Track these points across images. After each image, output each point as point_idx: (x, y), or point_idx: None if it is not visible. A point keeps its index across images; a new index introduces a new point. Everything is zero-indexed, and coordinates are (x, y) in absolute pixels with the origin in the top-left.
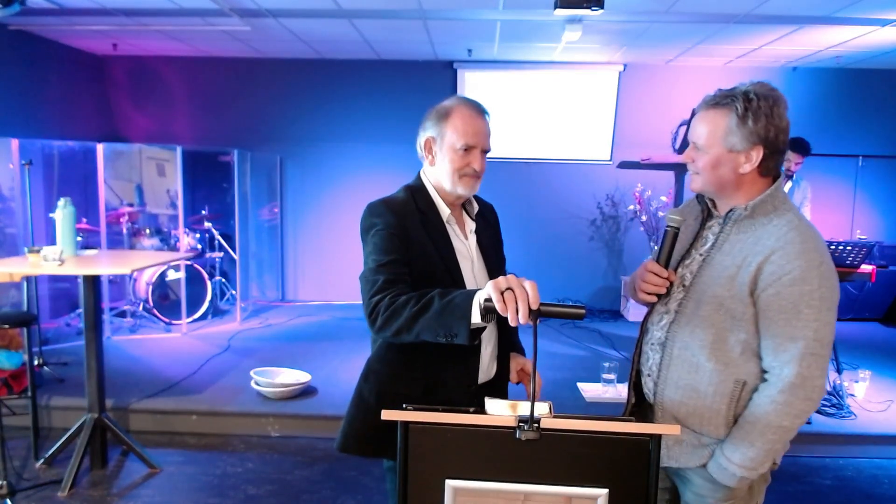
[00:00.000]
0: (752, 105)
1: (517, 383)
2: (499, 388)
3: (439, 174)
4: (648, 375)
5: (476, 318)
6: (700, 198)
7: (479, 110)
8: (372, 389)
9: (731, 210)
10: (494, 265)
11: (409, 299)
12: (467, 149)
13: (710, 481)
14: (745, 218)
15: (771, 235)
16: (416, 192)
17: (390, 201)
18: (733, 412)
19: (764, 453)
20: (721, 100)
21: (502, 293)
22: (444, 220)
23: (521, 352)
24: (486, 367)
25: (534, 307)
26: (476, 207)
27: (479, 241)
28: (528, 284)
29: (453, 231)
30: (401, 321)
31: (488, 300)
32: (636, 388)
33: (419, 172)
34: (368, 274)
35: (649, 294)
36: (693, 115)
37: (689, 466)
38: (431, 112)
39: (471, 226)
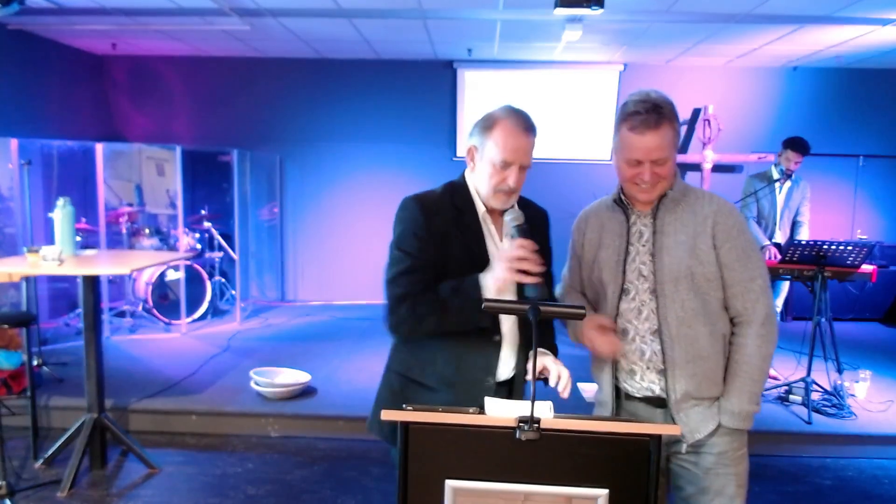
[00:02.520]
0: (674, 111)
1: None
2: (516, 386)
3: (477, 182)
4: (649, 368)
5: (489, 293)
6: (619, 202)
7: (523, 126)
8: (397, 374)
9: (662, 198)
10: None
11: (427, 312)
12: (505, 165)
13: (728, 434)
14: (675, 200)
15: (703, 205)
16: (457, 189)
17: (423, 198)
18: (724, 365)
19: (762, 384)
20: (660, 117)
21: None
22: (480, 217)
23: (554, 351)
24: (505, 365)
25: (538, 271)
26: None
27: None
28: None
29: (488, 231)
30: (425, 330)
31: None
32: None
33: (465, 170)
34: (388, 281)
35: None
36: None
37: (709, 431)
38: (480, 119)
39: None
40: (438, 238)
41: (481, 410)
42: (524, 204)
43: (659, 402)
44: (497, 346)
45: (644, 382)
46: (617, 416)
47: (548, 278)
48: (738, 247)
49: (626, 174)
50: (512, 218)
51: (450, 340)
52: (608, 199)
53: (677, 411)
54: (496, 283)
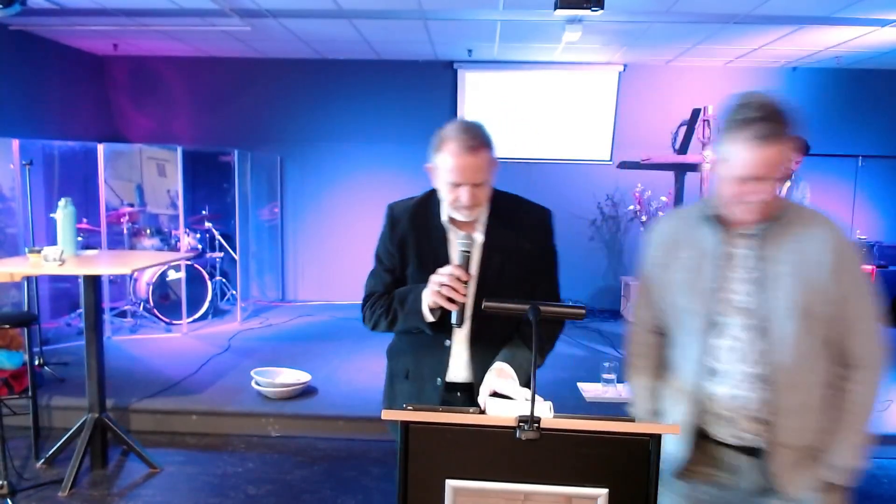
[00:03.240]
0: (793, 119)
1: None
2: (467, 390)
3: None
4: (745, 417)
5: (429, 317)
6: (713, 219)
7: (468, 146)
8: (388, 360)
9: (773, 220)
10: (492, 279)
11: (380, 315)
12: (454, 185)
13: (829, 490)
14: (785, 221)
15: (817, 228)
16: (434, 195)
17: (396, 205)
18: (830, 412)
19: (869, 436)
20: (776, 130)
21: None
22: (444, 224)
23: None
24: (457, 370)
25: (459, 300)
26: (481, 223)
27: (484, 255)
28: (446, 278)
29: (457, 237)
30: (382, 328)
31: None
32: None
33: None
34: (366, 280)
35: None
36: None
37: (811, 486)
38: (435, 135)
39: (479, 237)
40: (399, 243)
41: (481, 410)
42: (516, 207)
43: (752, 451)
44: (448, 350)
45: (735, 430)
46: (696, 458)
47: (553, 282)
48: (858, 278)
49: (734, 191)
50: (459, 243)
51: (416, 338)
52: (695, 212)
53: (779, 465)
54: (426, 301)
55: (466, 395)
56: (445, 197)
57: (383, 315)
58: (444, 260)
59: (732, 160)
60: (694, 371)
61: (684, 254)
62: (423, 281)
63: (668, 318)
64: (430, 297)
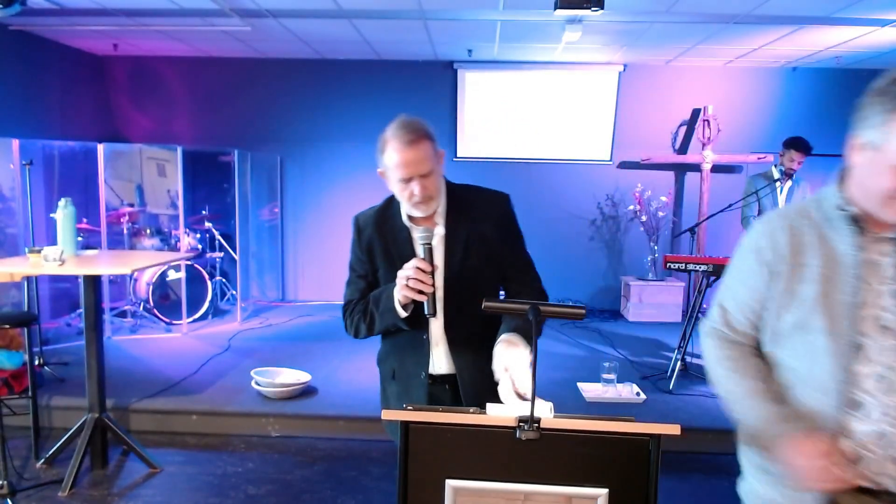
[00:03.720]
0: None
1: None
2: (453, 382)
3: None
4: (888, 458)
5: (402, 312)
6: (848, 220)
7: (407, 140)
8: (378, 364)
9: None
10: (458, 267)
11: (359, 320)
12: (404, 180)
13: None
14: None
15: None
16: (394, 199)
17: (361, 215)
18: None
19: None
20: None
21: (405, 285)
22: (406, 224)
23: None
24: (439, 362)
25: (427, 291)
26: (441, 216)
27: (447, 245)
28: (411, 271)
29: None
30: (363, 334)
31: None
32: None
33: None
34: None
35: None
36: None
37: None
38: (378, 140)
39: (440, 230)
40: (367, 250)
41: (482, 410)
42: (473, 196)
43: (887, 495)
44: (427, 343)
45: (872, 472)
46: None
47: (522, 256)
48: None
49: (891, 185)
50: (419, 237)
51: (396, 338)
52: (821, 211)
53: None
54: (397, 297)
55: (453, 387)
56: (401, 196)
57: (361, 319)
58: (410, 258)
59: (891, 146)
60: (830, 404)
61: (812, 261)
62: (394, 281)
63: (778, 337)
64: (399, 293)
